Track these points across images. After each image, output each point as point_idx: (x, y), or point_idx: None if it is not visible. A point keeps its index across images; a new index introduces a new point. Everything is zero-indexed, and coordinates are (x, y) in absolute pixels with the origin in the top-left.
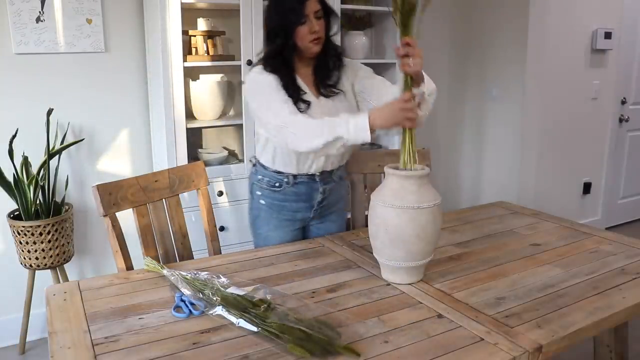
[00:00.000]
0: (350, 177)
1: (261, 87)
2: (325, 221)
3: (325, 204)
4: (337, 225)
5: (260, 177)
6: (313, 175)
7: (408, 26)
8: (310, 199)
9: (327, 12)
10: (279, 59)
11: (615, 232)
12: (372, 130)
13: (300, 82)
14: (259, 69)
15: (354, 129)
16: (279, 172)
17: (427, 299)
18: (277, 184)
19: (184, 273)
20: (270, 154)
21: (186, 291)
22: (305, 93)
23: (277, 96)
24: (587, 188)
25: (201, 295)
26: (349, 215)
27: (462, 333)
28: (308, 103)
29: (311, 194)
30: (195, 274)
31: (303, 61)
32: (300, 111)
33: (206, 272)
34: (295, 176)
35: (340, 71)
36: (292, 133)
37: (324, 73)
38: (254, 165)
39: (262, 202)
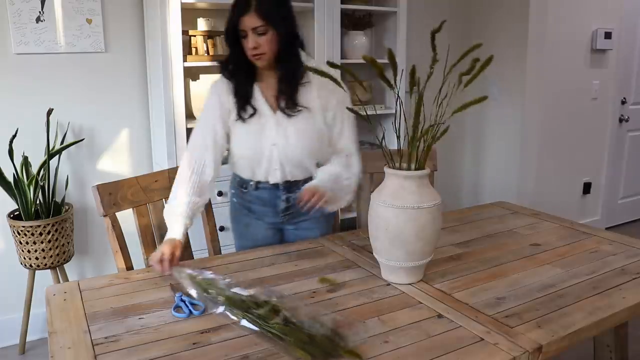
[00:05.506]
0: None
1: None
2: (299, 228)
3: (293, 212)
4: (314, 233)
5: (233, 176)
6: (276, 183)
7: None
8: (274, 205)
9: (277, 27)
10: (232, 66)
11: (615, 232)
12: None
13: (259, 92)
14: (219, 79)
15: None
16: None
17: (427, 299)
18: (244, 185)
19: (189, 271)
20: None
21: (193, 291)
22: (251, 99)
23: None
24: (587, 188)
25: (206, 295)
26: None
27: (462, 333)
28: (254, 110)
29: (274, 200)
30: (201, 272)
31: (268, 70)
32: (243, 119)
33: (211, 272)
34: (258, 182)
35: (304, 89)
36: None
37: (285, 87)
38: None
39: (235, 200)
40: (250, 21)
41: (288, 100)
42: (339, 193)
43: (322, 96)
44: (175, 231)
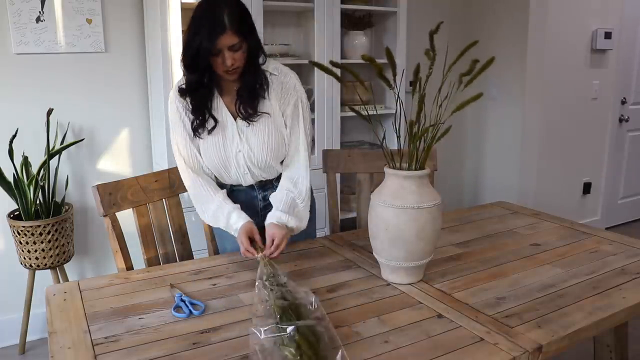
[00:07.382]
0: (357, 176)
1: (170, 120)
2: None
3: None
4: None
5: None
6: (251, 185)
7: None
8: (252, 206)
9: (249, 40)
10: (194, 89)
11: (615, 232)
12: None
13: (221, 101)
14: (172, 93)
15: (230, 228)
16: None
17: (427, 299)
18: (222, 189)
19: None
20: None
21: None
22: (211, 113)
23: (183, 145)
24: (587, 188)
25: (265, 287)
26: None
27: (462, 333)
28: (216, 122)
29: (251, 201)
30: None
31: (231, 82)
32: (199, 137)
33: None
34: (232, 185)
35: (264, 96)
36: (188, 192)
37: (244, 96)
38: None
39: None
40: (228, 40)
41: (248, 107)
42: (298, 218)
43: (280, 99)
44: (239, 218)
